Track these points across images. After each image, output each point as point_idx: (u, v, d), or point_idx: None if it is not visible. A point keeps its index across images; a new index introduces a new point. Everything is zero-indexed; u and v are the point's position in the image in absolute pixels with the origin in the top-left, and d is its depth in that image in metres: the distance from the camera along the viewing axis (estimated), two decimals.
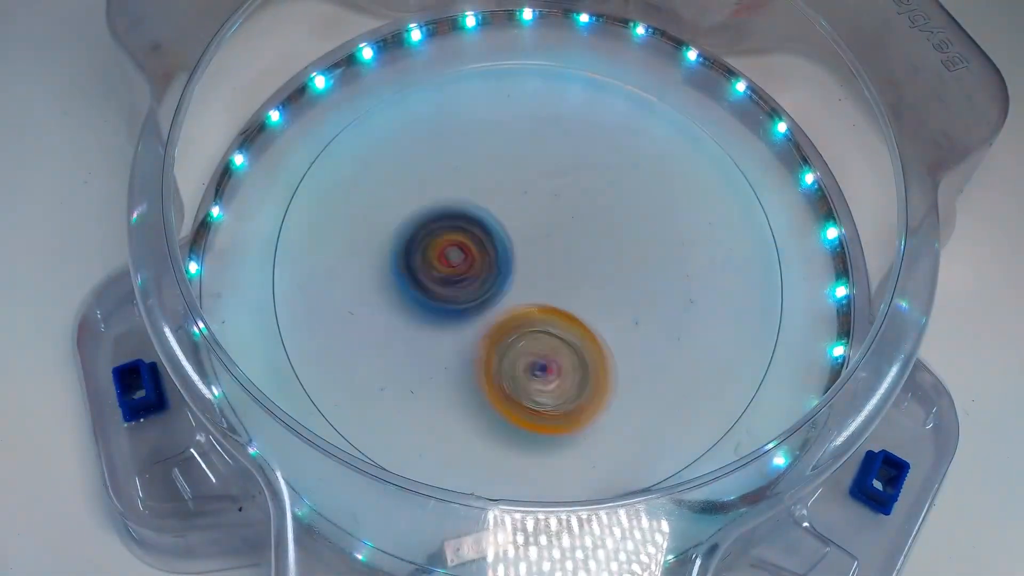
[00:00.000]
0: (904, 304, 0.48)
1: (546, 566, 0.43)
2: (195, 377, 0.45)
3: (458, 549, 0.44)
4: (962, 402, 0.51)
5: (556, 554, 0.43)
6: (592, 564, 0.43)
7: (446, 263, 0.54)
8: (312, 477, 0.45)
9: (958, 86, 0.53)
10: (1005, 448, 0.52)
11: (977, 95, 0.53)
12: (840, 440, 0.46)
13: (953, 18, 0.55)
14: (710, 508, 0.45)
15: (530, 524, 0.43)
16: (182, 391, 0.45)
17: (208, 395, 0.45)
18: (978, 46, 0.54)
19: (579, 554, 0.43)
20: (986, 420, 0.52)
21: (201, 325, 0.46)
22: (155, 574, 0.48)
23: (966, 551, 0.50)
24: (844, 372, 0.51)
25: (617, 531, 0.43)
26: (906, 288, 0.49)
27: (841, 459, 0.46)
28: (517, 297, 0.54)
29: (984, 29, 0.54)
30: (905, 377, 0.47)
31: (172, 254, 0.47)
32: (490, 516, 0.43)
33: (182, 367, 0.45)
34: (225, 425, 0.45)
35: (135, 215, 0.48)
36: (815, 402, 0.50)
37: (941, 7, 0.55)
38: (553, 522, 0.43)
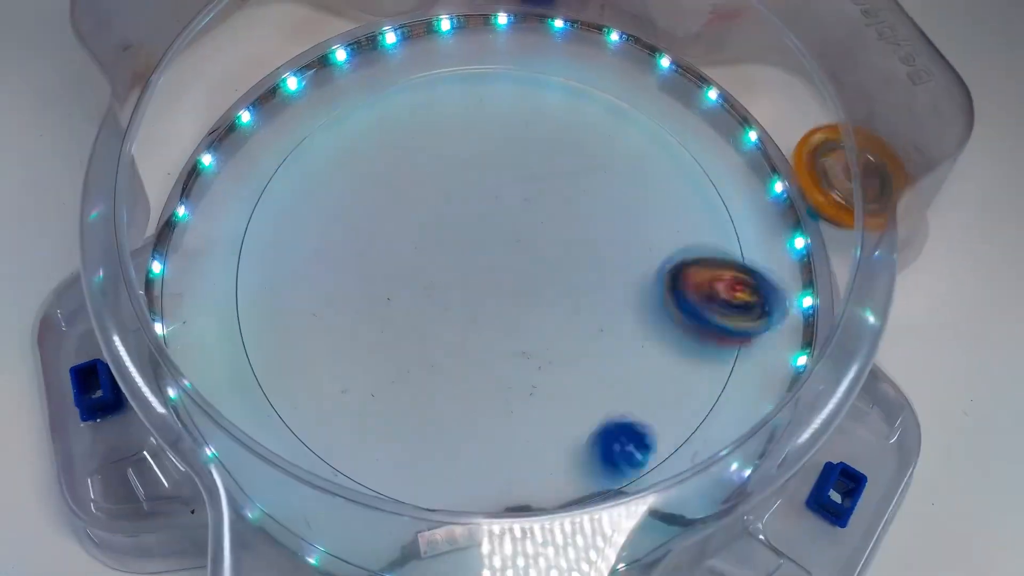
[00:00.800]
0: (860, 311, 0.48)
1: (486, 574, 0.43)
2: (143, 387, 0.45)
3: (431, 540, 0.44)
4: (925, 416, 0.51)
5: (496, 562, 0.43)
6: (533, 574, 0.43)
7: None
8: (263, 481, 0.44)
9: (925, 99, 0.53)
10: (966, 464, 0.52)
11: (943, 108, 0.53)
12: (795, 449, 0.46)
13: (920, 30, 0.54)
14: (664, 517, 0.45)
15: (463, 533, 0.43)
16: (129, 399, 0.45)
17: (155, 404, 0.44)
18: (944, 59, 0.53)
19: (520, 561, 0.43)
20: (948, 435, 0.52)
21: (152, 333, 0.46)
22: (109, 573, 0.48)
23: (922, 566, 0.50)
24: (799, 380, 0.51)
25: (560, 538, 0.43)
26: (861, 295, 0.48)
27: (794, 467, 0.46)
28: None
29: (950, 42, 0.54)
30: (860, 385, 0.47)
31: (122, 258, 0.46)
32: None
33: (131, 376, 0.45)
34: (177, 429, 0.44)
35: (91, 214, 0.48)
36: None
37: (908, 19, 0.55)
38: (496, 529, 0.43)
